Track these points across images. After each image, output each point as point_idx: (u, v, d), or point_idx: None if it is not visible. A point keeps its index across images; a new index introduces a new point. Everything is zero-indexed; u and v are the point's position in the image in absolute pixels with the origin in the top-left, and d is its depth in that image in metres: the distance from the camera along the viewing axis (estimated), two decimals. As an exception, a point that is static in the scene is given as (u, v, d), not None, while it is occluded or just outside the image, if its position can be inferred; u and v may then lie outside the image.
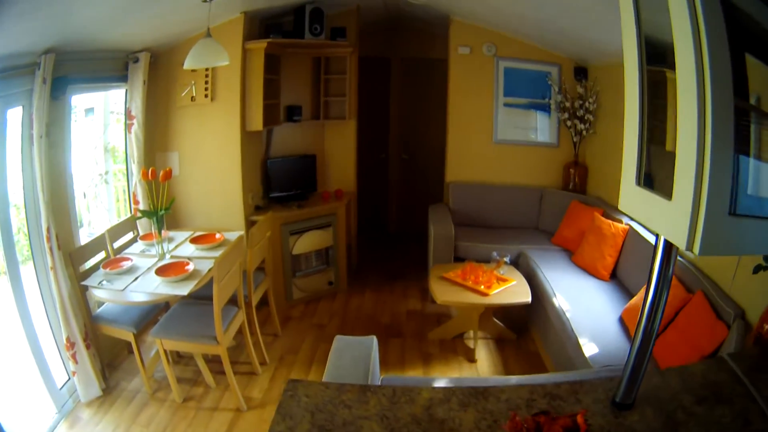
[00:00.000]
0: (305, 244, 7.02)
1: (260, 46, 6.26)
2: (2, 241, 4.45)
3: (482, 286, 5.65)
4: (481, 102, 7.95)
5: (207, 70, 6.26)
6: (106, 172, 6.59)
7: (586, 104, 7.22)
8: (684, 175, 1.42)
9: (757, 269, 2.96)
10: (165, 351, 4.88)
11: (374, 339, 3.66)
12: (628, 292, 5.39)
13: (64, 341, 4.78)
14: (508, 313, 6.17)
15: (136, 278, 4.89)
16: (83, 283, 4.88)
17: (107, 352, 5.50)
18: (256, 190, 6.92)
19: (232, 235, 5.94)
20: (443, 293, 5.68)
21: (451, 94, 8.05)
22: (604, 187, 7.05)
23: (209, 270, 4.96)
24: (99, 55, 5.51)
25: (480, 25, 7.72)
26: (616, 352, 4.23)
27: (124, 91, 6.06)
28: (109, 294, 4.76)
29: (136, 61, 5.88)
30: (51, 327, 4.90)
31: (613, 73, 6.65)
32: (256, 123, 6.45)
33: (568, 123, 7.48)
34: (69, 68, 4.94)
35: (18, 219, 4.77)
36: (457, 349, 5.98)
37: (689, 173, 1.39)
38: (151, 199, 5.34)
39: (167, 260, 5.32)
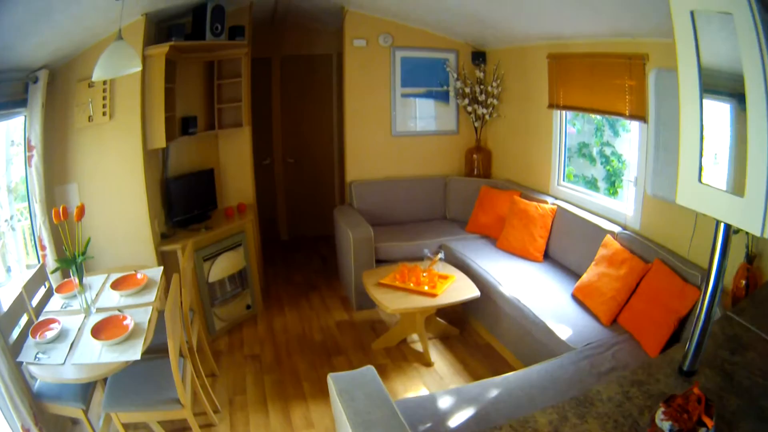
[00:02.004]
0: (220, 269, 6.29)
1: (161, 51, 5.47)
2: None
3: (426, 287, 5.40)
4: (379, 95, 7.58)
5: (105, 83, 5.36)
6: (11, 217, 5.49)
7: (489, 88, 7.13)
8: (756, 179, 1.78)
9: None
10: (122, 424, 4.12)
11: (372, 368, 3.34)
12: (566, 270, 5.44)
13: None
14: (446, 309, 5.73)
15: (72, 345, 4.08)
16: (18, 359, 4.02)
17: (54, 428, 4.56)
18: (160, 216, 6.09)
19: (152, 272, 5.17)
20: (390, 301, 5.29)
21: (347, 90, 7.52)
22: (512, 170, 7.07)
23: (149, 322, 4.27)
24: (1, 77, 4.59)
25: (376, 16, 7.30)
26: (586, 330, 4.29)
27: (23, 118, 5.09)
28: (49, 372, 3.89)
29: (36, 81, 4.91)
30: (5, 417, 4.01)
31: (515, 56, 6.71)
32: (159, 139, 5.65)
33: (469, 109, 7.39)
34: None
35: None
36: (407, 356, 5.67)
37: (761, 178, 1.76)
38: (65, 243, 4.44)
39: (93, 315, 4.50)
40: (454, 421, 3.34)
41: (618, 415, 2.18)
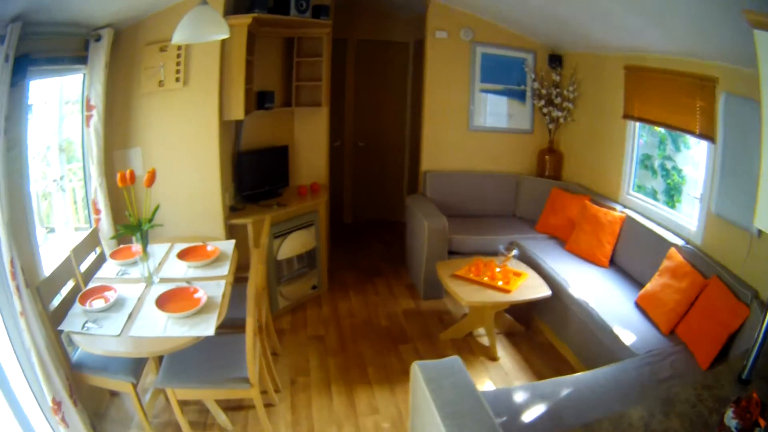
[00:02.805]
0: (290, 247, 5.46)
1: (244, 21, 4.68)
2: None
3: (500, 283, 4.80)
4: (458, 88, 6.67)
5: (179, 48, 4.57)
6: (62, 177, 4.70)
7: (565, 92, 6.26)
8: None
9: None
10: (177, 401, 3.44)
11: (458, 359, 3.08)
12: (631, 278, 4.91)
13: (50, 404, 3.13)
14: (513, 305, 5.05)
15: (130, 315, 3.32)
16: (61, 328, 3.24)
17: (89, 400, 3.78)
18: (230, 189, 5.29)
19: (224, 245, 4.39)
20: (465, 294, 4.70)
21: (428, 80, 6.63)
22: (583, 174, 6.27)
23: (223, 296, 3.56)
24: (62, 30, 3.79)
25: (458, 8, 6.41)
26: (647, 338, 3.95)
27: (81, 76, 4.30)
28: (100, 344, 3.11)
29: (99, 39, 4.10)
30: (31, 389, 3.19)
31: (591, 63, 5.99)
32: (236, 111, 4.88)
33: (544, 110, 6.50)
34: (29, 46, 3.26)
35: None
36: (473, 349, 5.00)
37: None
38: (129, 208, 3.61)
39: (156, 285, 3.73)
40: (527, 416, 3.11)
41: (693, 415, 2.33)
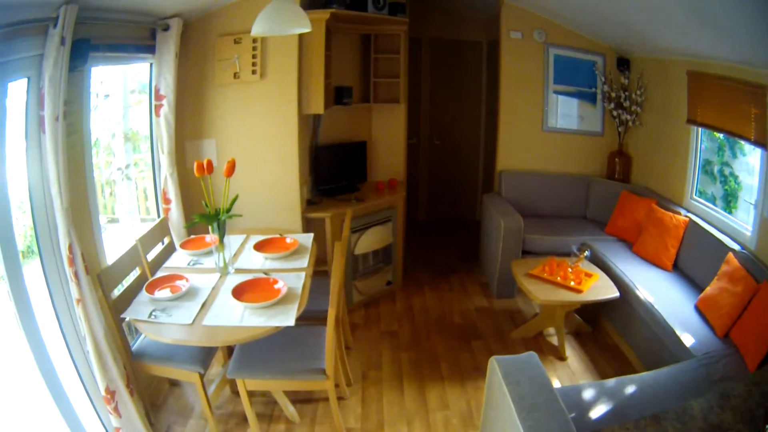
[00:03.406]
0: (367, 242, 5.00)
1: (322, 16, 4.27)
2: (4, 267, 2.40)
3: (572, 283, 4.40)
4: (532, 89, 6.09)
5: (255, 41, 4.20)
6: (127, 166, 4.38)
7: (633, 96, 5.68)
8: None
9: None
10: (246, 392, 3.12)
11: (535, 355, 2.88)
12: (692, 281, 4.52)
13: (102, 393, 2.81)
14: (583, 305, 4.67)
15: (203, 304, 2.94)
16: (123, 315, 2.88)
17: (146, 391, 3.44)
18: (308, 183, 4.86)
19: (303, 238, 3.98)
20: (539, 292, 4.33)
21: (503, 80, 6.05)
22: (651, 178, 5.68)
23: (303, 287, 3.20)
24: (125, 17, 3.43)
25: (530, 10, 5.86)
26: (705, 340, 3.71)
27: (149, 65, 3.98)
28: (170, 332, 2.74)
29: (167, 28, 3.77)
30: (81, 377, 2.87)
31: (657, 67, 5.43)
32: (316, 105, 4.45)
33: (614, 113, 5.89)
34: (90, 30, 2.92)
35: (22, 233, 2.72)
36: (542, 348, 4.59)
37: None
38: (206, 198, 3.22)
39: (231, 275, 3.34)
40: (595, 413, 2.98)
41: (743, 408, 2.31)
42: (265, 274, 3.32)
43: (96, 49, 3.03)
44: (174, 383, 3.77)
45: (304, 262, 3.59)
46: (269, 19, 3.04)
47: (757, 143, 3.98)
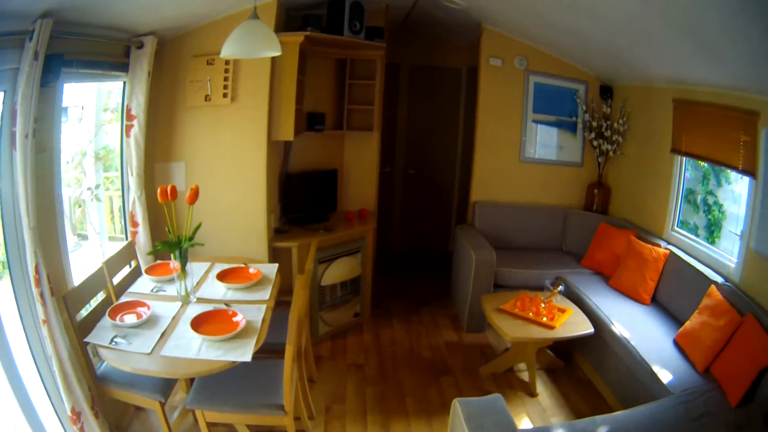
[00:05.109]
0: (335, 273, 5.12)
1: (296, 39, 4.40)
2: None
3: (545, 319, 4.49)
4: (510, 118, 6.26)
5: (227, 63, 4.33)
6: (97, 186, 4.48)
7: (615, 125, 5.88)
8: None
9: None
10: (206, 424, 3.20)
11: (500, 397, 3.00)
12: (671, 315, 4.63)
13: (69, 413, 2.98)
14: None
15: (163, 334, 3.05)
16: (87, 340, 2.99)
17: (112, 413, 3.53)
18: (276, 211, 4.98)
19: (266, 269, 4.06)
20: (509, 329, 4.39)
21: (481, 108, 6.22)
22: (630, 209, 5.87)
23: (263, 321, 3.28)
24: (100, 33, 3.55)
25: (512, 36, 6.04)
26: (684, 376, 3.76)
27: (122, 84, 4.09)
28: (129, 361, 2.85)
29: (141, 46, 3.90)
30: (49, 396, 3.03)
31: (641, 95, 5.65)
32: (285, 131, 4.56)
33: (594, 143, 6.07)
34: (64, 45, 3.03)
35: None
36: (512, 384, 4.69)
37: None
38: (169, 224, 3.33)
39: (193, 304, 3.45)
40: None
41: None
42: (226, 305, 3.40)
43: (69, 64, 3.15)
44: (139, 407, 3.84)
45: (266, 294, 3.67)
46: (239, 40, 3.15)
47: (745, 172, 4.09)
